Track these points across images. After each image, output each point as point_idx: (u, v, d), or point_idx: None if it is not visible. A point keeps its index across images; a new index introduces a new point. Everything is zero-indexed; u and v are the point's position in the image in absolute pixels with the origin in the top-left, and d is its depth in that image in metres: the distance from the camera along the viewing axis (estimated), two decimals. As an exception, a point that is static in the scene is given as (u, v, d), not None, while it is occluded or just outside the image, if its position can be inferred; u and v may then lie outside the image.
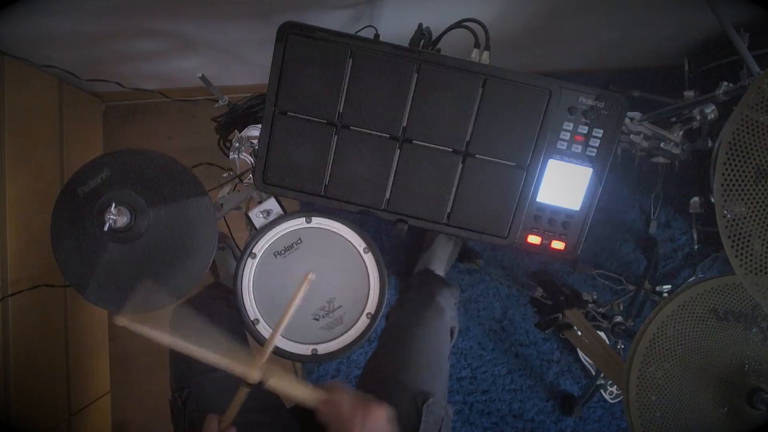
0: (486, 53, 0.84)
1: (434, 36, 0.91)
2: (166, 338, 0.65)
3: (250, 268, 0.85)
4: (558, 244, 0.85)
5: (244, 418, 0.75)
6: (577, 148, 0.81)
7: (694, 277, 1.48)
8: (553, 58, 1.45)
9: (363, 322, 0.84)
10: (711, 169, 1.09)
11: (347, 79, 0.79)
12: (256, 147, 0.90)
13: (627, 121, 1.04)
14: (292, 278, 0.85)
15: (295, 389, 0.68)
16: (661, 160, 1.15)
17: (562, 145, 0.81)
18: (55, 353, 1.37)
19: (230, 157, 0.93)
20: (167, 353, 0.95)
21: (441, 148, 0.81)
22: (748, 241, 0.66)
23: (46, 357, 1.34)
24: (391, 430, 0.67)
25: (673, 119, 1.10)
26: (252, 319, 0.84)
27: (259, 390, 0.67)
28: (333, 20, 1.11)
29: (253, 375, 0.66)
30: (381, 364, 0.94)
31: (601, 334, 1.24)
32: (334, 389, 0.68)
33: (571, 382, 1.54)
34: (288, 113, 0.81)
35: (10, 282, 1.19)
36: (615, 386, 1.50)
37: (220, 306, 1.04)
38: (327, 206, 0.84)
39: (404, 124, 0.80)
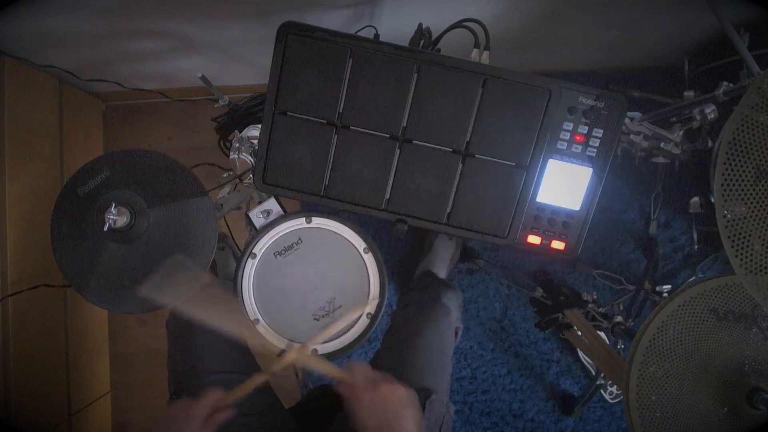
0: (486, 53, 0.84)
1: (434, 36, 0.91)
2: None
3: (250, 268, 0.85)
4: (558, 244, 0.85)
5: (242, 421, 0.75)
6: (577, 148, 0.81)
7: (694, 277, 1.48)
8: (553, 58, 1.45)
9: (363, 322, 0.84)
10: (711, 169, 1.08)
11: (347, 79, 0.79)
12: (256, 147, 0.90)
13: (627, 121, 1.04)
14: (292, 278, 0.85)
15: (318, 364, 0.73)
16: (661, 160, 1.15)
17: (562, 145, 0.81)
18: (55, 353, 1.37)
19: (230, 157, 0.93)
20: (166, 353, 0.95)
21: (441, 148, 0.81)
22: (748, 241, 0.66)
23: (46, 357, 1.33)
24: (408, 408, 0.68)
25: (673, 119, 1.10)
26: (252, 319, 0.84)
27: (259, 393, 0.67)
28: (333, 20, 1.11)
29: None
30: (384, 360, 0.94)
31: (601, 334, 1.24)
32: (354, 367, 0.72)
33: (571, 382, 1.54)
34: (288, 113, 0.81)
35: (10, 282, 1.19)
36: (615, 386, 1.50)
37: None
38: (327, 206, 0.84)
39: (404, 124, 0.80)
